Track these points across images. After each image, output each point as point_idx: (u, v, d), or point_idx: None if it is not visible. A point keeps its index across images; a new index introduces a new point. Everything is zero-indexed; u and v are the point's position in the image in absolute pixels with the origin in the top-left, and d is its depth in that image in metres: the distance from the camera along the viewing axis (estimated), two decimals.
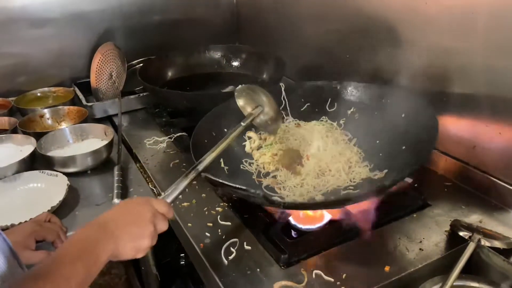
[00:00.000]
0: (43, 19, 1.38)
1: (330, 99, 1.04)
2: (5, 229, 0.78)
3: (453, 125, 0.92)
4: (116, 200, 0.87)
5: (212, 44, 1.44)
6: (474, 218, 0.81)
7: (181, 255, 0.97)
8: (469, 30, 0.83)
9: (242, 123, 0.88)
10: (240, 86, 0.95)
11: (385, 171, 0.84)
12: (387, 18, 1.03)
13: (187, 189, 0.89)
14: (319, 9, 1.26)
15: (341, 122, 1.01)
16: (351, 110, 1.01)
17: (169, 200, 0.66)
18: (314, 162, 0.89)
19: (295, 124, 1.03)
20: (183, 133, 1.15)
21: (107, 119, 1.29)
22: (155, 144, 1.12)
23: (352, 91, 1.02)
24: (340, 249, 0.74)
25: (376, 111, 0.97)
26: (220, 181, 0.69)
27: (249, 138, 0.99)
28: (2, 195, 0.90)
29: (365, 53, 1.12)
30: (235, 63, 1.39)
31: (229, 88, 1.24)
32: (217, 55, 1.39)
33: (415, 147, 0.81)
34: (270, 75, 1.29)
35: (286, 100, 1.05)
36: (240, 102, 0.94)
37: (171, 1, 1.57)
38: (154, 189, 0.95)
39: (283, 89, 1.05)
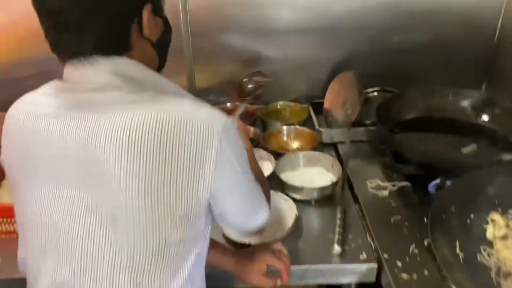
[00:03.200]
0: (299, 26, 1.46)
1: None
2: (245, 245, 0.91)
3: None
4: (336, 246, 0.91)
5: (457, 85, 1.30)
6: None
7: None
8: None
9: None
10: None
11: None
12: None
13: (407, 258, 0.87)
14: None
15: None
16: None
17: None
18: None
19: None
20: (407, 183, 1.10)
21: (332, 145, 1.33)
22: (377, 189, 1.10)
23: None
24: None
25: None
26: None
27: (493, 221, 0.87)
28: None
29: None
30: (485, 117, 1.22)
31: (471, 147, 1.11)
32: (463, 102, 1.25)
33: None
34: None
35: None
36: None
37: (417, 25, 1.47)
38: (372, 242, 0.95)
39: None
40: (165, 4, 0.71)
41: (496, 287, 0.76)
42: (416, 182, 1.10)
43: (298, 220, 1.00)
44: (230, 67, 1.54)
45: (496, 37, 1.45)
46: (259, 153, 1.20)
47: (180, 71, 1.56)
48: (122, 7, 0.61)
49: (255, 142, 1.29)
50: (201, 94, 1.58)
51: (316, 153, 1.19)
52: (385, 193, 1.09)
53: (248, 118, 1.42)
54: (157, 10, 0.67)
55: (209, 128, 0.59)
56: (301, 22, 1.46)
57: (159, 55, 0.70)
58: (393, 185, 1.11)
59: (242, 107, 1.11)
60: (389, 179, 1.14)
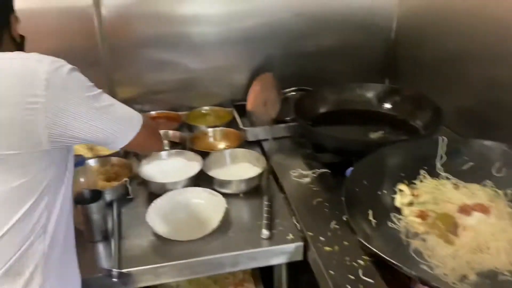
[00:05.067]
0: (216, 39, 1.53)
1: (498, 163, 0.96)
2: None
3: None
4: (264, 231, 0.95)
5: (364, 81, 1.44)
6: None
7: None
8: None
9: None
10: None
11: None
12: None
13: (329, 233, 0.94)
14: (496, 49, 1.14)
15: (509, 191, 0.92)
16: None
17: None
18: (472, 236, 0.83)
19: (453, 184, 0.97)
20: (326, 170, 1.19)
21: (257, 143, 1.39)
22: (299, 177, 1.17)
23: None
24: None
25: None
26: (376, 251, 0.70)
27: (401, 191, 0.98)
28: (170, 205, 1.04)
29: None
30: (387, 105, 1.36)
31: (379, 133, 1.23)
32: (369, 94, 1.39)
33: None
34: (425, 123, 1.23)
35: (444, 155, 1.01)
36: None
37: (326, 30, 1.61)
38: (297, 224, 1.00)
39: (442, 142, 1.01)
40: None
41: (405, 246, 0.85)
42: (334, 169, 1.20)
43: (227, 213, 1.03)
44: (152, 77, 1.55)
45: (393, 36, 1.63)
46: (187, 154, 1.22)
47: (98, 84, 1.53)
48: None
49: (181, 146, 1.31)
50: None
51: (242, 150, 1.24)
52: (307, 180, 1.16)
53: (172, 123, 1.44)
54: (17, 19, 0.80)
55: (37, 63, 0.65)
56: (218, 35, 1.53)
57: (20, 50, 0.80)
58: (314, 173, 1.19)
59: None
60: (310, 168, 1.22)
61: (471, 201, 0.90)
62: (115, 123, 0.73)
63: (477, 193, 0.93)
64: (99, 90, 0.73)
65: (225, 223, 1.01)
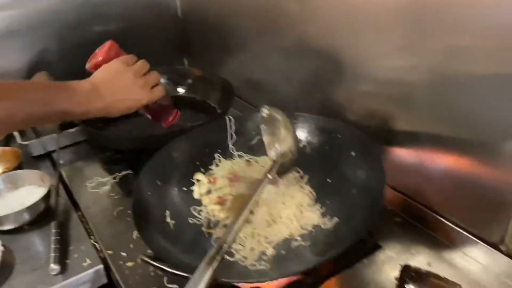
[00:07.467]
0: None
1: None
2: None
3: (401, 159, 0.91)
4: (53, 266, 0.81)
5: (157, 66, 1.36)
6: (423, 259, 0.81)
7: None
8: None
9: (268, 176, 0.84)
10: (266, 112, 0.92)
11: (335, 220, 0.82)
12: (332, 47, 1.00)
13: (131, 245, 0.86)
14: (265, 25, 1.19)
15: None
16: (302, 143, 0.98)
17: None
18: (265, 210, 0.86)
19: (246, 161, 0.99)
20: (129, 171, 1.09)
21: (47, 156, 1.20)
22: (97, 187, 1.05)
23: (303, 123, 0.98)
24: None
25: (326, 145, 0.95)
26: (161, 266, 0.64)
27: (198, 181, 0.95)
28: None
29: (313, 82, 1.09)
30: (181, 89, 1.32)
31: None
32: (163, 79, 1.31)
33: (366, 194, 0.79)
34: (219, 101, 1.23)
35: (234, 135, 1.02)
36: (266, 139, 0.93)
37: (106, 15, 1.47)
38: (96, 244, 0.89)
39: (230, 123, 1.01)
40: None
41: (207, 239, 0.83)
42: (139, 166, 1.11)
43: (8, 253, 0.85)
44: None
45: (180, 14, 1.57)
46: None
47: None
48: None
49: None
50: None
51: (19, 172, 1.03)
52: (107, 188, 1.05)
53: None
54: None
55: None
56: None
57: None
58: (114, 178, 1.08)
59: None
60: (110, 173, 1.10)
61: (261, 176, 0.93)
62: None
63: (266, 164, 0.97)
64: None
65: (5, 270, 0.83)
